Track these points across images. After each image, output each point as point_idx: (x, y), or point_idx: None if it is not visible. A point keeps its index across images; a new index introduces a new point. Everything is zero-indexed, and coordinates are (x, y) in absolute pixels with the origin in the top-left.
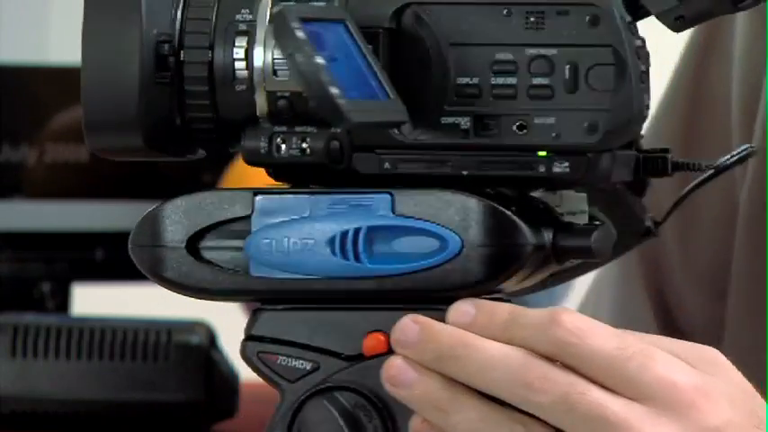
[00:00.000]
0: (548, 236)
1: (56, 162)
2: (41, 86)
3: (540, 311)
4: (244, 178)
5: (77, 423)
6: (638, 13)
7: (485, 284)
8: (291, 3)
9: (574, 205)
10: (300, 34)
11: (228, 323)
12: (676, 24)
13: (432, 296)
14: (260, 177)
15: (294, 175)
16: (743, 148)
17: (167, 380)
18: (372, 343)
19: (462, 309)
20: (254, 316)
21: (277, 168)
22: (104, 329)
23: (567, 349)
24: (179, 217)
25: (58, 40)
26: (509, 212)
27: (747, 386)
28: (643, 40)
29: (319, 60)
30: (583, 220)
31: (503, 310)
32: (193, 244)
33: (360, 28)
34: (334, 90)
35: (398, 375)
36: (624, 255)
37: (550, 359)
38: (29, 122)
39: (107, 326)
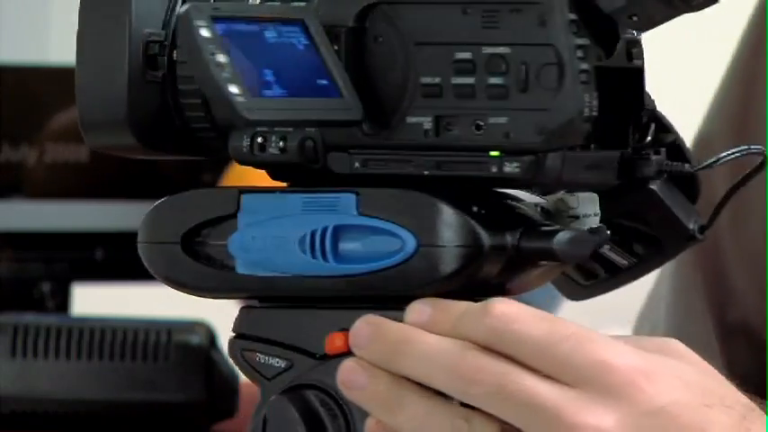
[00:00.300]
0: (512, 237)
1: (56, 162)
2: (41, 86)
3: (479, 303)
4: (243, 178)
5: (77, 423)
6: (591, 11)
7: (439, 285)
8: (275, 3)
9: (588, 207)
10: (205, 33)
11: (228, 323)
12: (633, 23)
13: (391, 296)
14: (259, 177)
15: (287, 174)
16: (735, 150)
17: (167, 380)
18: (334, 342)
19: (418, 308)
20: (240, 314)
21: (266, 167)
22: (104, 329)
23: (498, 337)
24: (175, 214)
25: (58, 40)
26: (462, 213)
27: (707, 368)
28: (602, 36)
29: (220, 59)
30: (594, 222)
31: (457, 307)
32: (189, 241)
33: (328, 27)
34: (232, 89)
35: (350, 377)
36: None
37: (492, 350)
38: (29, 122)
39: (107, 326)
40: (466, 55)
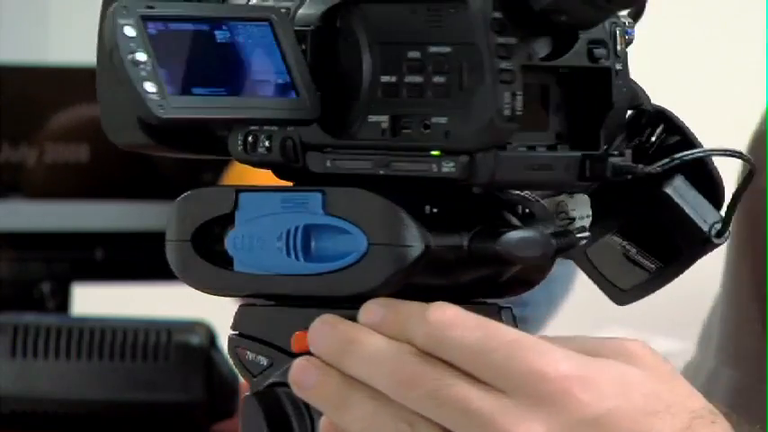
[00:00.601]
0: (463, 238)
1: (56, 162)
2: (41, 86)
3: (421, 307)
4: (243, 177)
5: (77, 423)
6: (523, 11)
7: (386, 284)
8: (268, 3)
9: (583, 210)
10: (128, 32)
11: (228, 323)
12: (563, 23)
13: (352, 296)
14: (259, 176)
15: (289, 174)
16: (691, 151)
17: (167, 380)
18: (300, 341)
19: (371, 308)
20: (236, 312)
21: (260, 166)
22: (104, 329)
23: (435, 342)
24: (186, 213)
25: (58, 40)
26: (407, 213)
27: (664, 373)
28: (525, 36)
29: (139, 57)
30: (585, 223)
31: (407, 308)
32: (199, 239)
33: (299, 27)
34: (147, 86)
35: (300, 376)
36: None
37: (433, 355)
38: (29, 122)
39: (107, 326)
40: (416, 54)
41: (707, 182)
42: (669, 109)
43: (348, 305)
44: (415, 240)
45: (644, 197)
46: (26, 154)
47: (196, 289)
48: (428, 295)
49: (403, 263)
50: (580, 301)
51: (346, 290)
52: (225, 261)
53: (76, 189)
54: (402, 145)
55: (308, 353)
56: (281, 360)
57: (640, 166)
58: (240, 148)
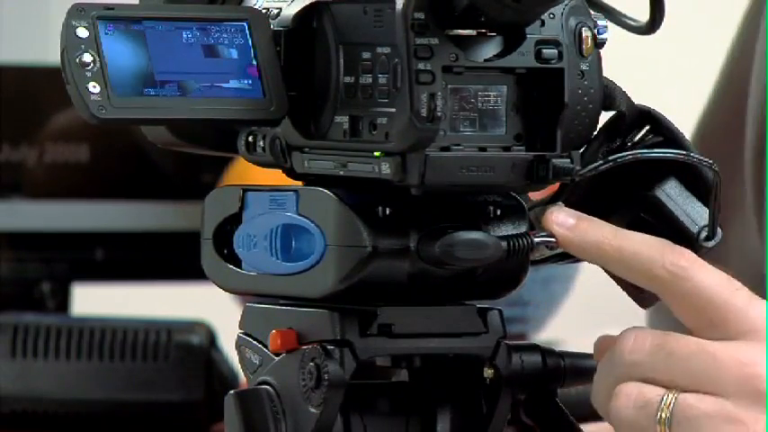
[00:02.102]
0: (414, 240)
1: (56, 162)
2: (41, 86)
3: (650, 245)
4: (244, 177)
5: (77, 423)
6: (444, 10)
7: (337, 286)
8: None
9: None
10: (81, 33)
11: (228, 323)
12: (481, 24)
13: (310, 297)
14: (259, 175)
15: (290, 172)
16: (616, 156)
17: (167, 380)
18: (276, 340)
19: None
20: (243, 310)
21: (262, 165)
22: (104, 329)
23: (676, 283)
24: (208, 211)
25: (57, 40)
26: (353, 214)
27: None
28: (449, 37)
29: (85, 59)
30: None
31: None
32: (220, 238)
33: (276, 29)
34: (90, 87)
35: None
36: None
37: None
38: (29, 122)
39: (107, 326)
40: (367, 54)
41: (702, 186)
42: (656, 109)
43: (319, 305)
44: (362, 242)
45: (638, 199)
46: (26, 154)
47: (218, 287)
48: (394, 295)
49: (351, 264)
50: (580, 301)
51: (309, 291)
52: (236, 260)
53: (76, 189)
54: (357, 146)
55: (283, 352)
56: (268, 359)
57: (577, 168)
58: (243, 148)
